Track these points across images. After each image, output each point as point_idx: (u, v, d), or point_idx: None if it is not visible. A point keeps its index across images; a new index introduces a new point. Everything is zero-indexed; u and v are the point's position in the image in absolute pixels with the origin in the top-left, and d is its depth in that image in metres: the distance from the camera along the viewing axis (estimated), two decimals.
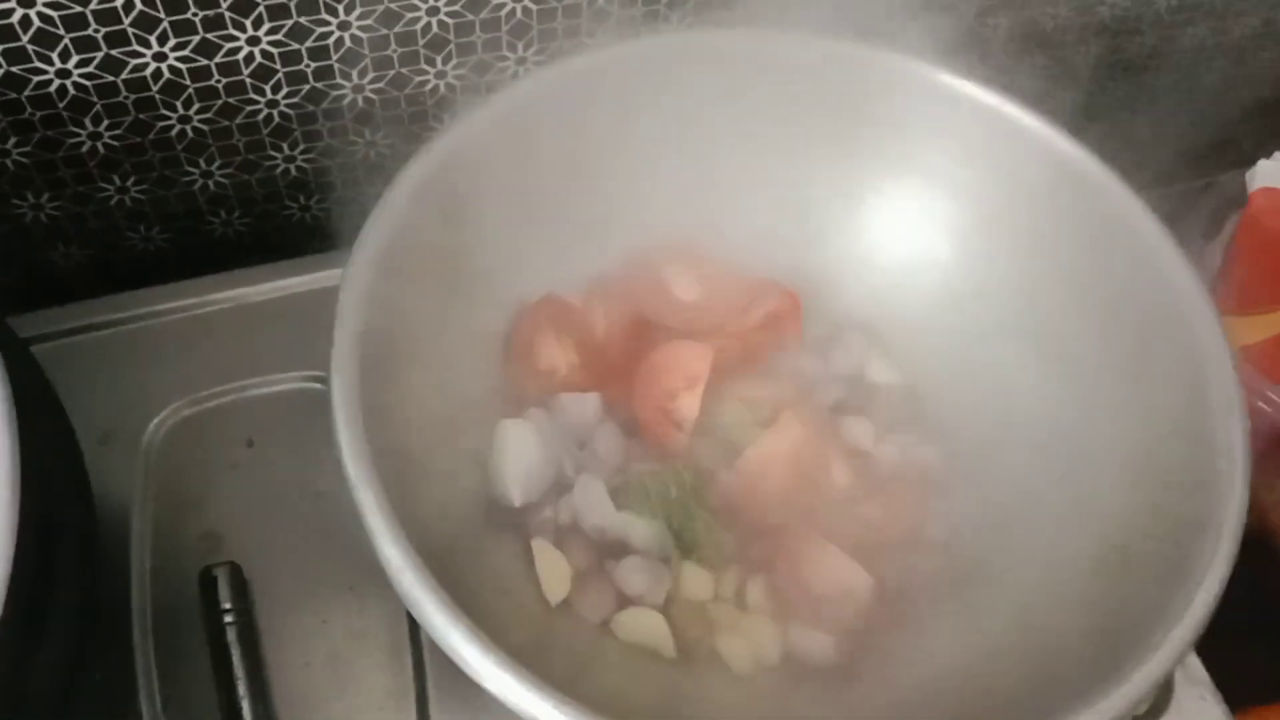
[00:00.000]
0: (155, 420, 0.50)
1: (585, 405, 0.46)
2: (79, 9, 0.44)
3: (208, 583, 0.46)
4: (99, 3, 0.44)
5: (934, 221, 0.50)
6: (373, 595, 0.47)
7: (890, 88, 0.48)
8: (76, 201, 0.53)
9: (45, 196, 0.52)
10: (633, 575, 0.42)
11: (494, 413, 0.46)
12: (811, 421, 0.46)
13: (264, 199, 0.56)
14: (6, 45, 0.44)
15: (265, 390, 0.52)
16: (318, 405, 0.53)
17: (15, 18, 0.43)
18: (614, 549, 0.44)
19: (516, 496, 0.43)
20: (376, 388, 0.39)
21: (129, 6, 0.44)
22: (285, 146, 0.54)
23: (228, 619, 0.45)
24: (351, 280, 0.40)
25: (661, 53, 0.48)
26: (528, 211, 0.48)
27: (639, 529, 0.43)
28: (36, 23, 0.44)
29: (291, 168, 0.55)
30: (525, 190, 0.47)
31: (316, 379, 0.52)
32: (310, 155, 0.55)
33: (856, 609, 0.43)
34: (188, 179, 0.54)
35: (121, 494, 0.49)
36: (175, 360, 0.52)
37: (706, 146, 0.50)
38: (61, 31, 0.45)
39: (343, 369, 0.39)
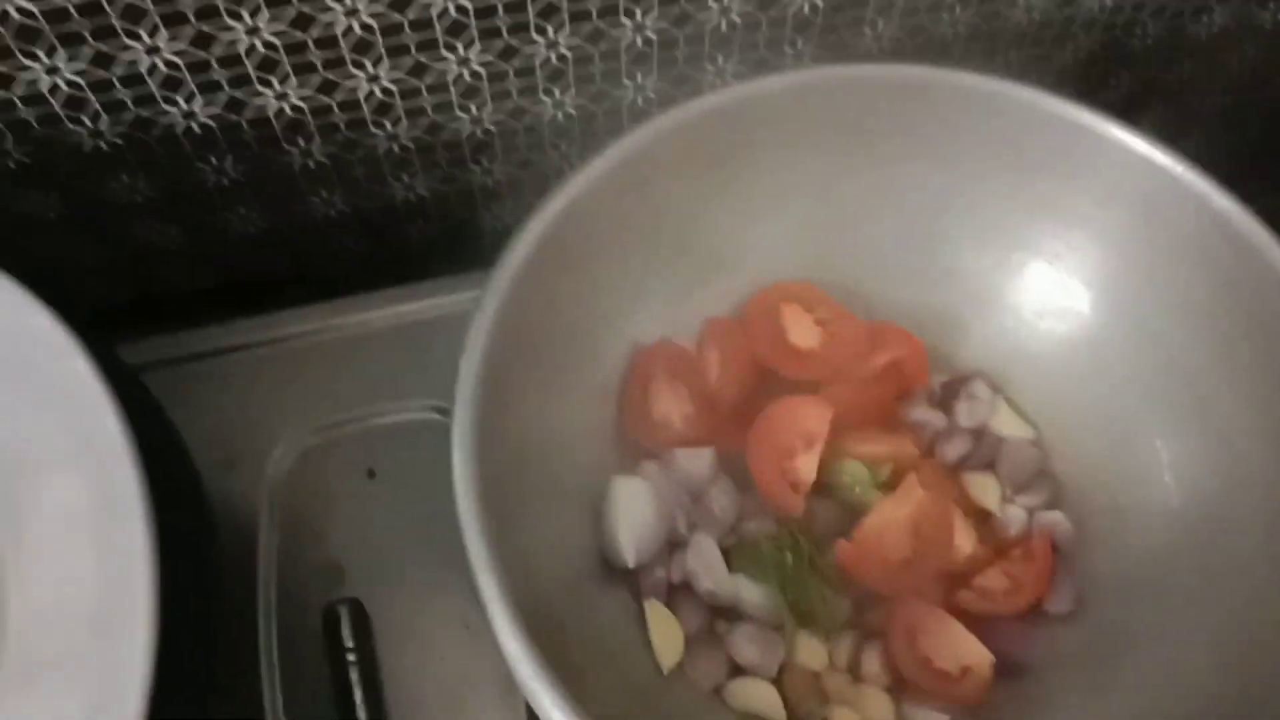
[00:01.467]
0: (278, 448, 0.51)
1: (699, 460, 0.45)
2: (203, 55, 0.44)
3: (331, 619, 0.47)
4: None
5: (1073, 266, 0.47)
6: (487, 633, 0.48)
7: (1033, 127, 0.45)
8: (202, 229, 0.54)
9: (175, 229, 0.53)
10: (746, 645, 0.42)
11: (608, 465, 0.46)
12: (934, 483, 0.44)
13: (382, 222, 0.56)
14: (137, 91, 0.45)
15: (386, 420, 0.52)
16: (437, 435, 0.53)
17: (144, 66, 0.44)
18: (726, 611, 0.43)
19: (631, 558, 0.43)
20: (495, 447, 0.39)
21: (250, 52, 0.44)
22: (405, 176, 0.53)
23: (351, 657, 0.46)
24: (471, 351, 0.39)
25: (784, 92, 0.45)
26: (645, 254, 0.47)
27: (752, 594, 0.43)
28: (164, 69, 0.44)
29: (411, 195, 0.55)
30: (643, 233, 0.46)
31: (437, 409, 0.52)
32: (430, 182, 0.54)
33: (976, 687, 0.41)
34: (309, 205, 0.54)
35: (247, 521, 0.50)
36: (297, 387, 0.53)
37: (828, 181, 0.48)
38: (185, 76, 0.45)
39: (464, 438, 0.38)
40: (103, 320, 0.52)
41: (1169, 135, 0.44)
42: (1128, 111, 0.62)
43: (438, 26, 0.46)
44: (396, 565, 0.49)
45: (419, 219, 0.57)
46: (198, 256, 0.55)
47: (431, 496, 0.50)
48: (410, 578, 0.48)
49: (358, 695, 0.45)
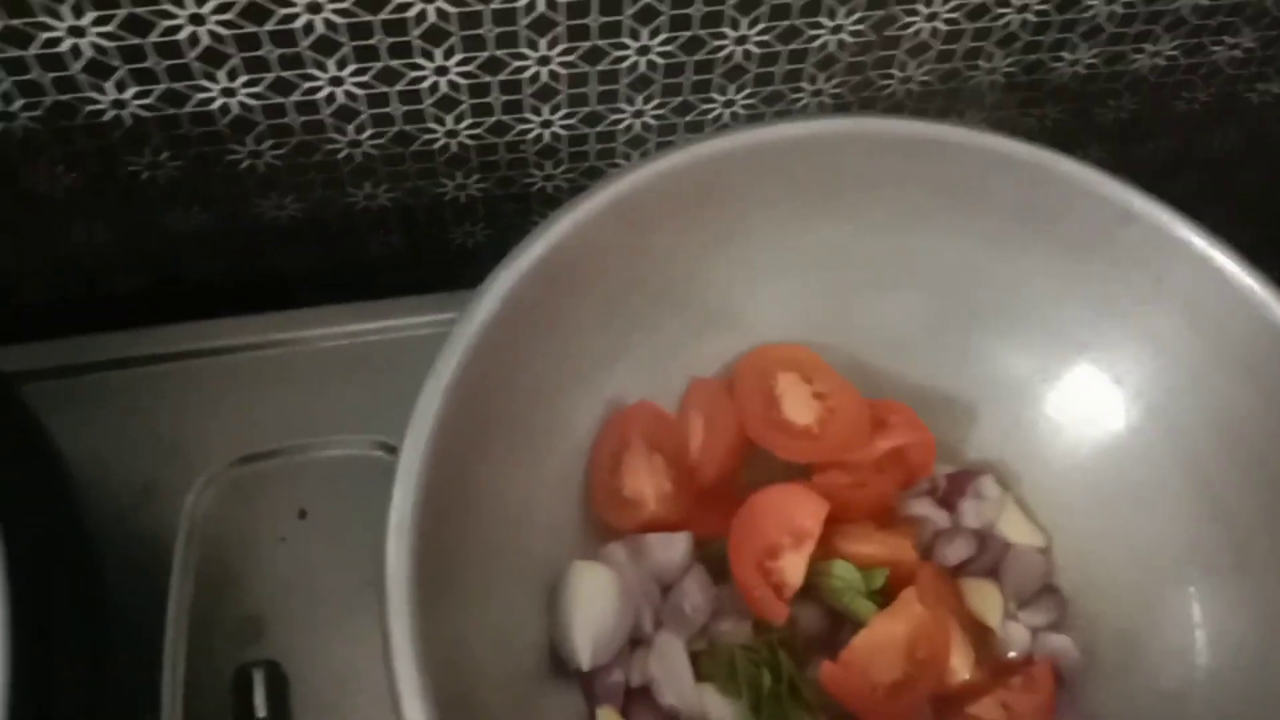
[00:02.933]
0: (202, 477, 0.46)
1: (673, 549, 0.40)
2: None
3: (243, 682, 0.42)
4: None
5: (1106, 362, 0.43)
6: None
7: (1075, 204, 0.40)
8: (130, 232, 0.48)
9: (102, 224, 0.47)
10: None
11: (569, 544, 0.41)
12: (933, 597, 0.39)
13: (346, 233, 0.51)
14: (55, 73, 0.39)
15: (325, 454, 0.47)
16: (379, 476, 0.48)
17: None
18: None
19: (585, 660, 0.38)
20: (440, 521, 0.34)
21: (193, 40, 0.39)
22: (367, 185, 0.48)
23: None
24: (422, 413, 0.34)
25: (795, 141, 0.40)
26: (628, 308, 0.42)
27: (721, 710, 0.38)
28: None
29: (372, 204, 0.49)
30: (628, 285, 0.42)
31: (382, 445, 0.47)
32: (393, 193, 0.49)
33: None
34: (257, 209, 0.48)
35: (160, 558, 0.45)
36: (230, 408, 0.47)
37: (838, 241, 0.44)
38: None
39: (403, 514, 0.34)
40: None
41: (1198, 205, 0.39)
42: (1157, 179, 0.58)
43: (412, 29, 0.40)
44: (323, 625, 0.44)
45: (379, 230, 0.51)
46: (130, 255, 0.49)
47: (369, 546, 0.45)
48: (338, 641, 0.43)
49: None
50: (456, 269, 0.54)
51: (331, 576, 0.45)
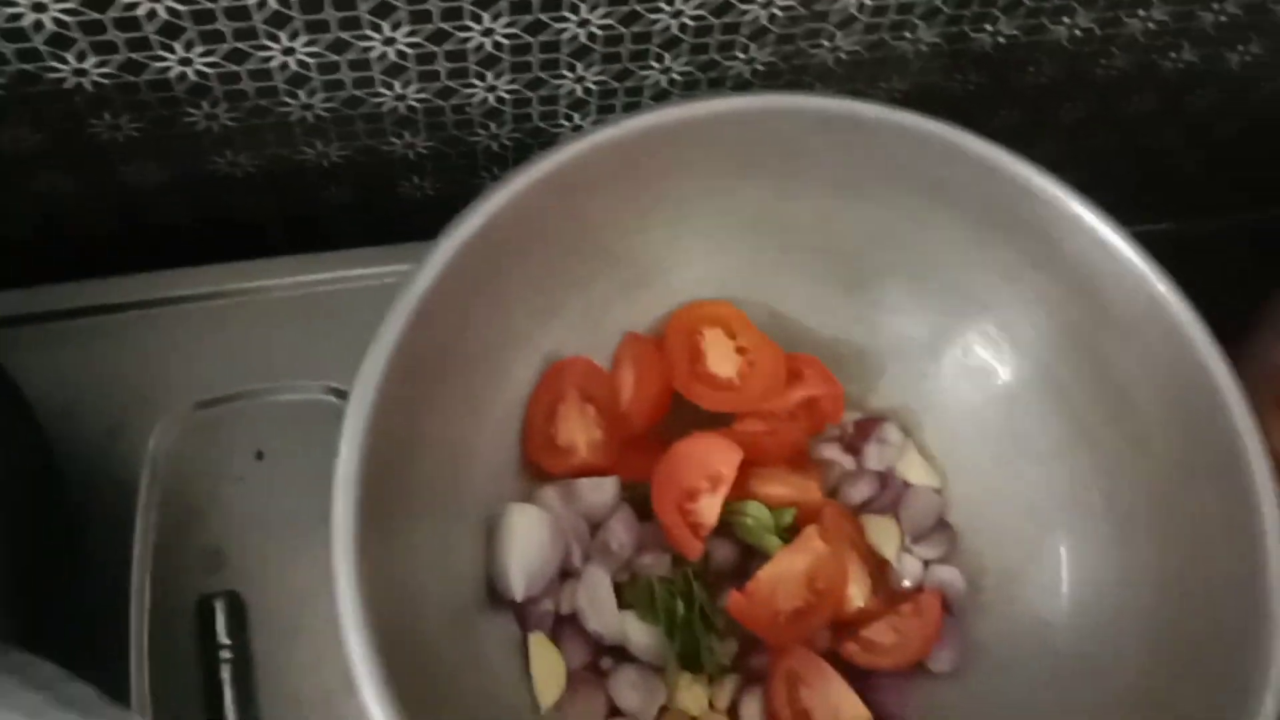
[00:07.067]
0: (164, 420, 0.48)
1: (602, 492, 0.44)
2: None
3: (206, 612, 0.45)
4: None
5: (1002, 321, 0.47)
6: None
7: (981, 179, 0.43)
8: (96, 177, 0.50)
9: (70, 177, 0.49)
10: (628, 690, 0.41)
11: (507, 488, 0.44)
12: (834, 534, 0.44)
13: (298, 187, 0.53)
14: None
15: (280, 398, 0.49)
16: (332, 419, 0.51)
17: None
18: (611, 649, 0.43)
19: (519, 591, 0.42)
20: (387, 463, 0.38)
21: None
22: (319, 143, 0.50)
23: (225, 655, 0.45)
24: (369, 368, 0.38)
25: (721, 115, 0.43)
26: (566, 268, 0.45)
27: (639, 634, 0.42)
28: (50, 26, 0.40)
29: (325, 161, 0.52)
30: (565, 247, 0.44)
31: (334, 390, 0.50)
32: (345, 152, 0.51)
33: None
34: (213, 165, 0.50)
35: (126, 496, 0.47)
36: (190, 354, 0.49)
37: (761, 206, 0.47)
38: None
39: (350, 462, 0.37)
40: None
41: (1056, 168, 0.42)
42: (1073, 138, 0.61)
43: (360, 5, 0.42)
44: (281, 556, 0.46)
45: (332, 184, 0.53)
46: (98, 202, 0.52)
47: (322, 485, 0.48)
48: (295, 571, 0.46)
49: (228, 695, 0.44)
50: (406, 220, 0.57)
51: (286, 513, 0.47)
